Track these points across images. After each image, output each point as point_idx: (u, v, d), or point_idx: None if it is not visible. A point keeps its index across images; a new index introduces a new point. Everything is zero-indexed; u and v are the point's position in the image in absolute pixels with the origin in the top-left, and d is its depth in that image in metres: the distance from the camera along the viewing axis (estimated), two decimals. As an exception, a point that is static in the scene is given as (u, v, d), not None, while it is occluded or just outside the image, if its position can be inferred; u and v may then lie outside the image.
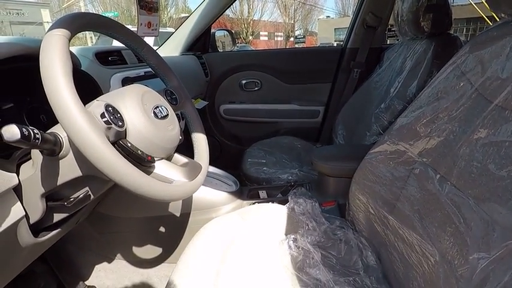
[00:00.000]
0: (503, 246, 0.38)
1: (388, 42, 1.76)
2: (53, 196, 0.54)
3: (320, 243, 0.68)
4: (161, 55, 0.70)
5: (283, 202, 0.82)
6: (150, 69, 0.77)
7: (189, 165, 0.60)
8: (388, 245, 0.61)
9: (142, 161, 0.49)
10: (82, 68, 0.75)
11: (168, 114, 0.57)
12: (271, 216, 0.78)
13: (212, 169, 1.03)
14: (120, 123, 0.47)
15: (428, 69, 0.98)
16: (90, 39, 11.60)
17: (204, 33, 1.53)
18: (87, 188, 0.56)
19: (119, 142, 0.48)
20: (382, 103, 1.11)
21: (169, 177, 0.53)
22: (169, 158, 0.59)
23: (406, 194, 0.59)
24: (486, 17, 8.29)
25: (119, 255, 0.99)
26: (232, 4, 1.46)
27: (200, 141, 0.72)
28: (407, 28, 1.10)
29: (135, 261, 0.98)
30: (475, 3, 9.48)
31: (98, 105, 0.46)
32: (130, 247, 0.97)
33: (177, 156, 0.61)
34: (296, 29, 23.47)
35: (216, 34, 1.71)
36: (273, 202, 0.86)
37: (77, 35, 0.49)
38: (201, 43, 1.58)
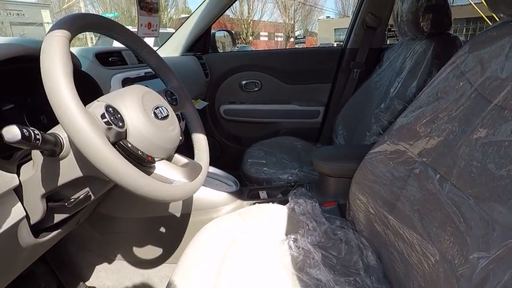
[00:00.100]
0: (503, 245, 0.38)
1: (388, 43, 1.76)
2: (54, 197, 0.54)
3: (320, 243, 0.68)
4: (161, 56, 0.70)
5: (283, 202, 0.82)
6: (150, 69, 0.77)
7: (189, 165, 0.60)
8: (389, 244, 0.61)
9: (142, 162, 0.49)
10: (82, 69, 0.76)
11: (168, 115, 0.57)
12: (272, 216, 0.78)
13: (212, 169, 1.03)
14: (121, 124, 0.48)
15: (428, 69, 0.98)
16: (90, 40, 11.62)
17: (204, 34, 1.53)
18: (87, 189, 0.57)
19: (119, 143, 0.48)
20: (382, 103, 1.11)
21: (169, 178, 0.53)
22: (169, 159, 0.59)
23: (406, 193, 0.59)
24: (486, 17, 8.29)
25: (119, 255, 0.99)
26: (232, 5, 1.46)
27: (200, 142, 0.72)
28: (407, 28, 1.10)
29: (136, 261, 0.98)
30: (474, 3, 9.48)
31: (98, 106, 0.47)
32: (131, 248, 0.97)
33: (177, 156, 0.62)
34: (296, 29, 23.51)
35: (216, 35, 1.71)
36: (273, 202, 0.86)
37: (77, 35, 0.49)
38: (201, 44, 1.58)
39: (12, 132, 0.36)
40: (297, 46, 18.63)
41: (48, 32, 0.44)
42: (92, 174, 0.50)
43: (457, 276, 0.43)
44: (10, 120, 0.51)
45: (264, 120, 1.69)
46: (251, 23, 20.89)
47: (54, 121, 0.42)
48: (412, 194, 0.58)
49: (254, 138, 1.47)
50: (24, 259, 0.61)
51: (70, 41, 0.45)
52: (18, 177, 0.50)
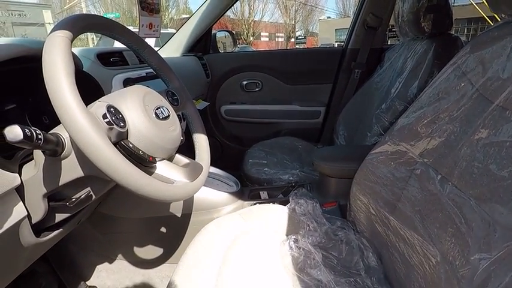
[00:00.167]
0: (505, 246, 0.38)
1: (388, 43, 1.76)
2: (55, 196, 0.54)
3: (321, 243, 0.68)
4: (162, 56, 0.70)
5: (284, 203, 0.82)
6: (151, 70, 0.77)
7: (190, 165, 0.60)
8: (389, 245, 0.61)
9: (143, 162, 0.49)
10: (84, 69, 0.76)
11: (169, 115, 0.57)
12: (272, 216, 0.78)
13: (213, 170, 1.03)
14: (122, 124, 0.48)
15: (429, 69, 0.98)
16: (91, 41, 11.65)
17: (205, 34, 1.53)
18: (88, 189, 0.57)
19: (121, 143, 0.48)
20: (383, 104, 1.11)
21: (170, 178, 0.54)
22: (170, 159, 0.59)
23: (407, 194, 0.59)
24: (487, 17, 8.27)
25: (120, 255, 0.99)
26: (233, 5, 1.46)
27: (201, 142, 0.72)
28: (408, 28, 1.10)
29: (137, 261, 0.98)
30: (476, 4, 9.46)
31: (99, 106, 0.47)
32: (132, 247, 0.97)
33: (178, 156, 0.62)
34: (297, 29, 23.50)
35: (217, 35, 1.72)
36: (274, 203, 0.86)
37: (79, 36, 0.50)
38: (202, 44, 1.58)
39: (14, 132, 0.37)
40: (297, 46, 18.63)
41: (50, 33, 0.44)
42: (93, 174, 0.50)
43: (458, 277, 0.43)
44: (12, 120, 0.52)
45: (264, 120, 1.69)
46: (252, 23, 20.91)
47: (56, 121, 0.42)
48: (413, 194, 0.58)
49: (255, 139, 1.48)
50: (25, 258, 0.61)
51: (72, 42, 0.45)
52: (20, 176, 0.50)
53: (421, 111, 0.61)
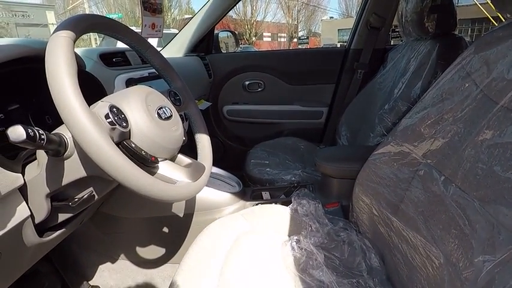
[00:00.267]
0: (509, 249, 0.37)
1: (392, 43, 1.75)
2: (58, 196, 0.54)
3: (323, 244, 0.68)
4: (165, 56, 0.70)
5: (286, 203, 0.82)
6: (154, 70, 0.77)
7: (193, 166, 0.60)
8: (392, 246, 0.61)
9: (146, 162, 0.49)
10: (87, 69, 0.76)
11: (171, 115, 0.57)
12: (274, 217, 0.78)
13: (215, 170, 1.03)
14: (124, 124, 0.48)
15: (432, 70, 0.97)
16: (94, 41, 11.70)
17: (208, 35, 1.54)
18: (91, 188, 0.57)
19: (123, 143, 0.48)
20: (386, 104, 1.11)
21: (172, 178, 0.54)
22: (173, 159, 0.60)
23: (410, 195, 0.59)
24: (491, 17, 8.22)
25: (122, 255, 0.99)
26: (235, 5, 1.46)
27: (203, 142, 0.72)
28: (412, 29, 1.10)
29: (139, 261, 0.98)
30: (480, 4, 9.40)
31: (102, 106, 0.47)
32: (134, 247, 0.97)
33: (180, 157, 0.62)
34: (299, 30, 23.49)
35: (219, 35, 1.72)
36: (276, 203, 0.86)
37: (82, 36, 0.50)
38: (205, 44, 1.59)
39: (17, 132, 0.37)
40: (300, 47, 18.61)
41: (53, 33, 0.44)
42: (95, 174, 0.50)
43: (462, 279, 0.42)
44: (15, 120, 0.52)
45: (267, 120, 1.69)
46: (254, 23, 20.91)
47: (58, 121, 0.42)
48: (416, 195, 0.57)
49: (257, 139, 1.47)
50: (28, 258, 0.62)
51: (74, 42, 0.45)
52: (23, 176, 0.50)
53: (425, 112, 0.61)
